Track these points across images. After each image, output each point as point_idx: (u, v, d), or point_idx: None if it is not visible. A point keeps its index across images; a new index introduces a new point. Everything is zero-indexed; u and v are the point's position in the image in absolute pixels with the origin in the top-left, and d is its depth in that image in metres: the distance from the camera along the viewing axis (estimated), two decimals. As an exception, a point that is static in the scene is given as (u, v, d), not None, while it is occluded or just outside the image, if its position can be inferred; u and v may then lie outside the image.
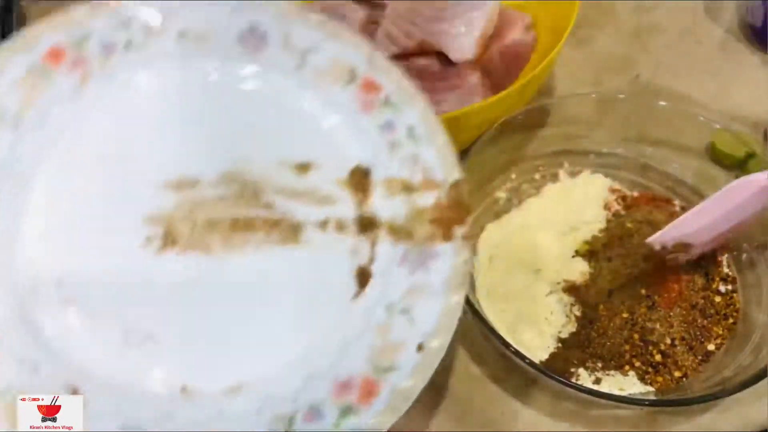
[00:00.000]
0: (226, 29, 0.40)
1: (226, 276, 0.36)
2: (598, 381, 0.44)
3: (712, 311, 0.47)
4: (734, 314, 0.47)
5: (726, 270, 0.49)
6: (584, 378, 0.44)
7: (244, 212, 0.37)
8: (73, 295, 0.35)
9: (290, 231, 0.37)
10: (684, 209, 0.52)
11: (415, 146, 0.39)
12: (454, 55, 0.58)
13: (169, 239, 0.36)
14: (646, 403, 0.43)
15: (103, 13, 0.39)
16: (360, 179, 0.39)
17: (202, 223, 0.37)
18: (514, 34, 0.59)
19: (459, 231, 0.37)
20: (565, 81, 0.64)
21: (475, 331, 0.49)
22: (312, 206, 0.38)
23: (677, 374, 0.44)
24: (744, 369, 0.42)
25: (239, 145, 0.39)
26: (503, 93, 0.49)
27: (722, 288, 0.48)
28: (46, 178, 0.37)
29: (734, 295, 0.48)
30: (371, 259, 0.37)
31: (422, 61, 0.59)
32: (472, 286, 0.48)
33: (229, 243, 0.36)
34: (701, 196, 0.52)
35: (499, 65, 0.58)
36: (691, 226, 0.46)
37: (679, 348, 0.45)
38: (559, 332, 0.46)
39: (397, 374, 0.35)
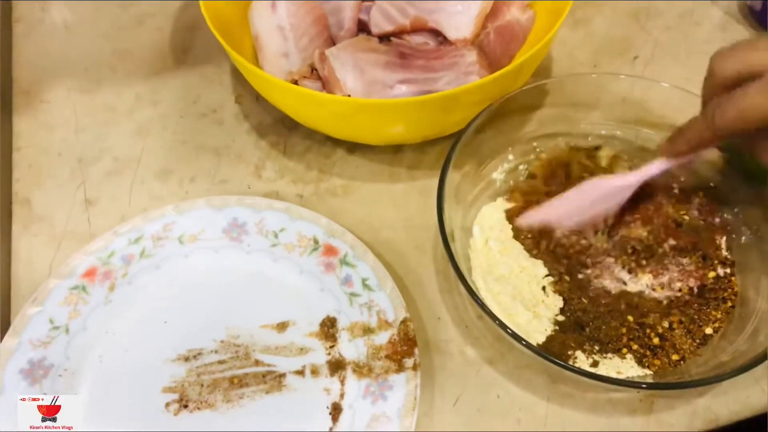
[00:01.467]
0: (213, 227, 0.51)
1: (227, 426, 0.44)
2: (595, 364, 0.43)
3: (711, 295, 0.46)
4: (732, 298, 0.46)
5: (725, 253, 0.48)
6: (581, 361, 0.44)
7: (239, 371, 0.46)
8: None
9: (275, 381, 0.46)
10: (683, 191, 0.51)
11: (369, 294, 0.47)
12: (451, 33, 0.57)
13: (182, 403, 0.45)
14: (644, 386, 0.43)
15: (122, 234, 0.50)
16: (328, 328, 0.47)
17: (207, 384, 0.45)
18: (512, 14, 0.58)
19: (409, 362, 0.44)
20: (562, 62, 0.63)
21: (470, 314, 0.48)
22: (291, 358, 0.47)
23: (675, 357, 0.44)
24: (741, 353, 0.42)
25: (231, 316, 0.48)
26: (500, 72, 0.48)
27: (721, 271, 0.47)
28: (89, 370, 0.46)
29: (732, 278, 0.47)
30: (342, 395, 0.45)
31: (417, 39, 0.58)
32: (468, 268, 0.47)
33: (229, 398, 0.45)
34: (700, 178, 0.51)
35: (495, 44, 0.57)
36: (553, 213, 0.49)
37: (677, 331, 0.45)
38: (556, 315, 0.46)
39: None
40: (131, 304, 0.49)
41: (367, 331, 0.47)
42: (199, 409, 0.45)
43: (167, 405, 0.45)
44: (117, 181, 0.57)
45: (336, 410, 0.44)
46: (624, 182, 0.47)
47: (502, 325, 0.40)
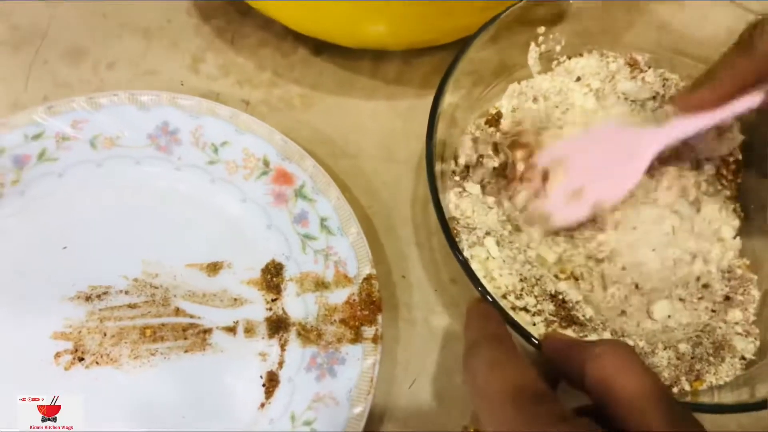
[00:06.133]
0: (136, 130, 0.41)
1: (130, 389, 0.36)
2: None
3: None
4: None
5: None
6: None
7: (154, 320, 0.38)
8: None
9: (198, 337, 0.37)
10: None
11: (328, 239, 0.39)
12: None
13: (77, 354, 0.36)
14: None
15: (17, 128, 0.40)
16: (272, 277, 0.39)
17: (112, 334, 0.37)
18: None
19: (369, 331, 0.36)
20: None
21: (443, 276, 0.40)
22: (222, 309, 0.38)
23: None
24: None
25: (149, 248, 0.39)
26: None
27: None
28: None
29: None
30: (280, 364, 0.37)
31: None
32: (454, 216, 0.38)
33: (137, 353, 0.37)
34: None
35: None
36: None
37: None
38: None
39: None
40: (21, 220, 0.39)
41: (321, 285, 0.38)
42: (97, 363, 0.36)
43: (57, 355, 0.36)
44: (12, 56, 0.46)
45: (271, 382, 0.36)
46: (645, 137, 0.37)
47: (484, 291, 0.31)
